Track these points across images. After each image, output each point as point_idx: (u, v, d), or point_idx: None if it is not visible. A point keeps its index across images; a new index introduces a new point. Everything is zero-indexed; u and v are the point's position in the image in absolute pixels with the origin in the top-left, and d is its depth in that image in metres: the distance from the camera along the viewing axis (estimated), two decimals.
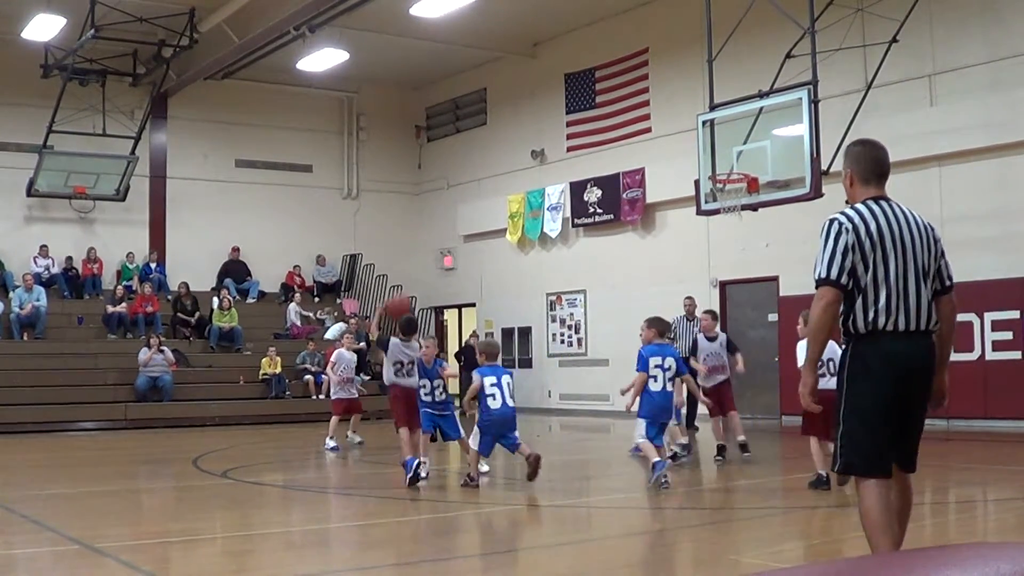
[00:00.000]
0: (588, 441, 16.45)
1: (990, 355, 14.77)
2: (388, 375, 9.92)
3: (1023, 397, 14.32)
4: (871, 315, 4.40)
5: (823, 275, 4.42)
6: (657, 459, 8.94)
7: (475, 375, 9.36)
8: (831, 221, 4.48)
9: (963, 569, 1.44)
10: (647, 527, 7.83)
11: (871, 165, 4.65)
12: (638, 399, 9.44)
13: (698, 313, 16.18)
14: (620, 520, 8.11)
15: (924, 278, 4.46)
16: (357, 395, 14.29)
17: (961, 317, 15.82)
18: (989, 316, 14.77)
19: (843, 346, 4.54)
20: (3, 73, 21.39)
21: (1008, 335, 14.59)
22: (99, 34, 18.85)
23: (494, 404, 9.14)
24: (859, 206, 4.52)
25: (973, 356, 14.92)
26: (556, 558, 6.59)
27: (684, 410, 12.65)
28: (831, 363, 8.32)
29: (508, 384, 9.26)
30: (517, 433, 9.45)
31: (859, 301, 4.42)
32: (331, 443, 13.44)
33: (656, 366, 9.26)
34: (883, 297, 4.39)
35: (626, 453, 12.15)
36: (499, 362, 9.68)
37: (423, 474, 9.55)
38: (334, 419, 13.74)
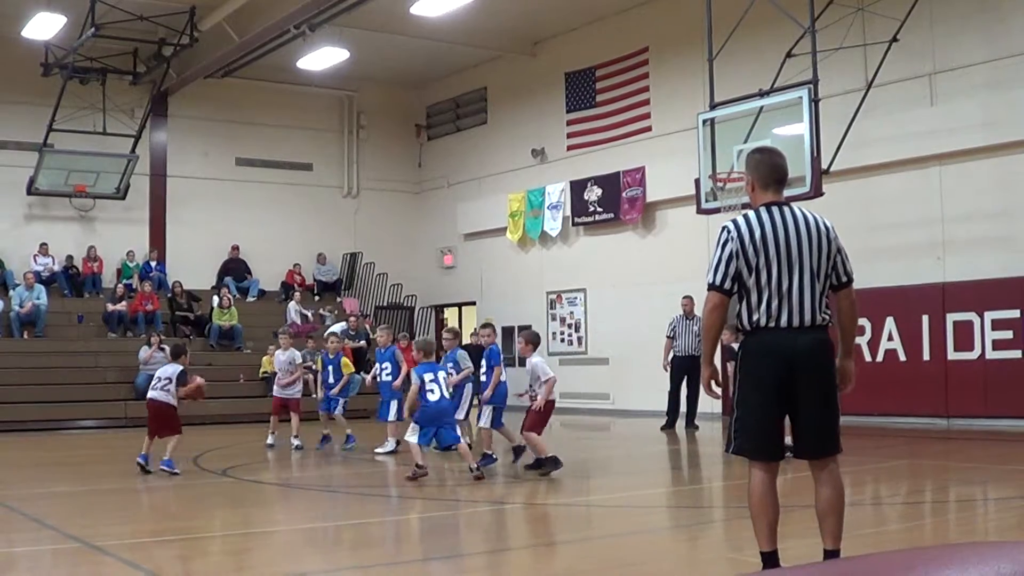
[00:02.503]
0: (588, 440, 16.44)
1: (990, 354, 14.77)
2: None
3: (1023, 396, 14.32)
4: (755, 315, 4.80)
5: (709, 281, 4.84)
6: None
7: (413, 375, 10.21)
8: (722, 229, 4.86)
9: (963, 569, 1.44)
10: (647, 526, 7.84)
11: (768, 171, 4.99)
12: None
13: (697, 312, 16.24)
14: (620, 520, 8.11)
15: (814, 277, 4.78)
16: (298, 396, 14.17)
17: (961, 316, 15.92)
18: (989, 315, 14.76)
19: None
20: (3, 72, 21.38)
21: (1008, 334, 14.59)
22: (99, 33, 18.84)
23: (432, 397, 9.91)
24: (750, 213, 4.89)
25: (973, 355, 14.93)
26: (556, 558, 6.60)
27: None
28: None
29: (444, 379, 10.18)
30: (459, 432, 10.48)
31: (744, 303, 4.84)
32: (269, 439, 14.15)
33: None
34: (765, 299, 4.77)
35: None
36: (434, 359, 10.61)
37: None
38: (274, 418, 14.26)
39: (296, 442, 13.65)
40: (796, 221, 4.83)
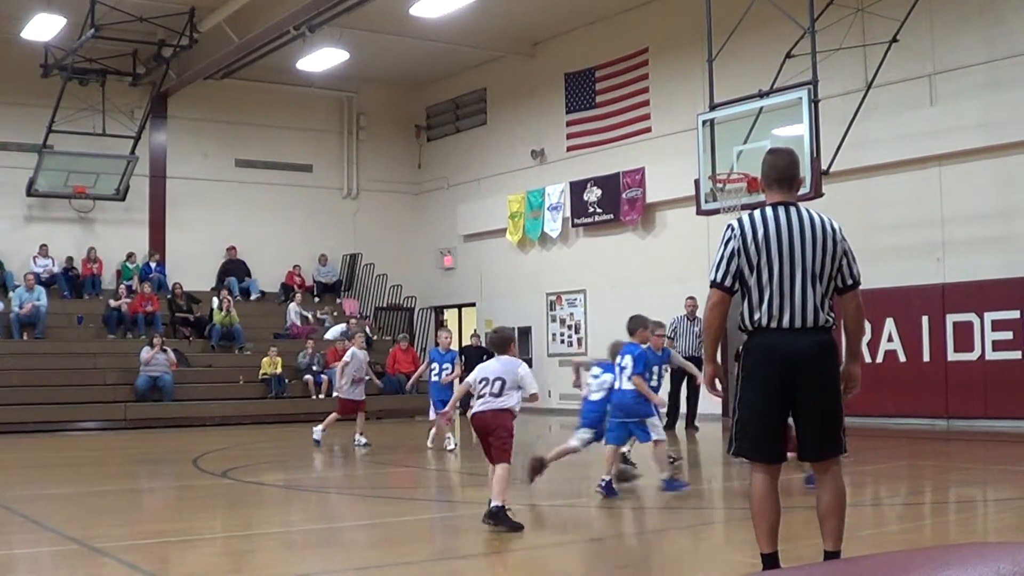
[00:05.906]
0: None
1: (990, 355, 14.76)
2: None
3: (1023, 397, 14.31)
4: (756, 315, 4.80)
5: (711, 278, 4.87)
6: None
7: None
8: (726, 227, 4.88)
9: (963, 569, 1.44)
10: (646, 527, 7.83)
11: (775, 172, 5.00)
12: None
13: (699, 314, 16.23)
14: (619, 520, 8.11)
15: (816, 279, 4.76)
16: (364, 397, 14.13)
17: (961, 317, 15.91)
18: (989, 316, 14.76)
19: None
20: (3, 73, 21.39)
21: (1008, 335, 14.59)
22: (99, 34, 18.85)
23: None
24: (755, 212, 4.90)
25: (973, 356, 14.93)
26: (556, 558, 6.59)
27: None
28: (497, 383, 7.26)
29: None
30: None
31: (746, 302, 4.84)
32: (318, 435, 13.73)
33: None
34: (767, 298, 4.76)
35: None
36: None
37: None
38: (333, 416, 13.92)
39: (363, 439, 13.67)
40: (801, 221, 4.81)
